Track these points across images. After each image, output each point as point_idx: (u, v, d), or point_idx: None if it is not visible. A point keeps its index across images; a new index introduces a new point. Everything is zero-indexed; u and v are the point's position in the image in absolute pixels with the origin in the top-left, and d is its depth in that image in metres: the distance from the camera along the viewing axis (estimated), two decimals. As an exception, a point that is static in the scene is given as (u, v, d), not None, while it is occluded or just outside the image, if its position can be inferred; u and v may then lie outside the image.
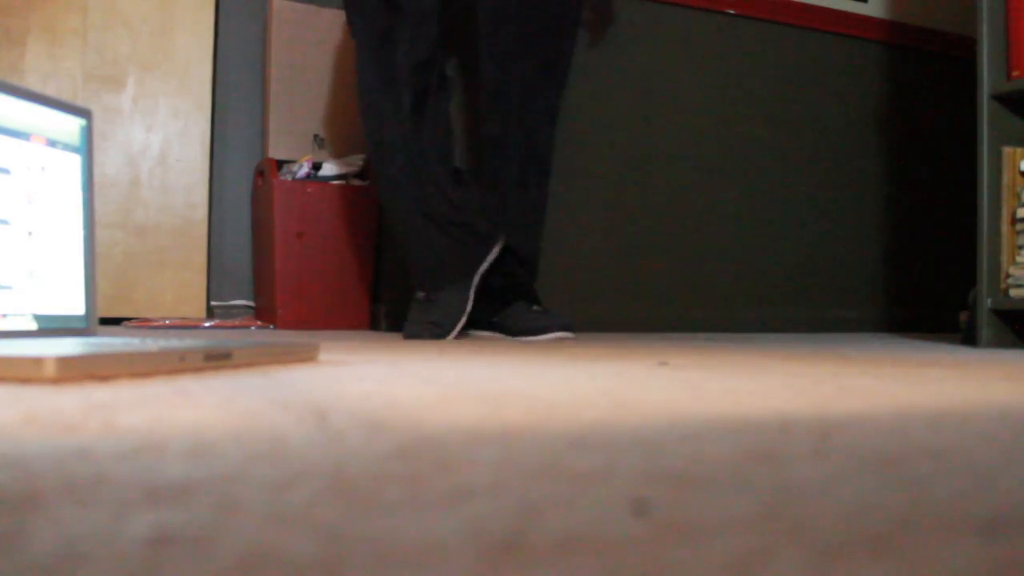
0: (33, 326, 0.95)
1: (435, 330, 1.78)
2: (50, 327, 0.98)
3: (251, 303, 2.53)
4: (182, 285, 2.38)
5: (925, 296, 2.91)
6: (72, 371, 0.67)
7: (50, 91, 2.23)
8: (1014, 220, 1.77)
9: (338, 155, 2.43)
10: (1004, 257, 1.78)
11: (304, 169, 2.35)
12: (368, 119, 1.84)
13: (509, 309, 1.89)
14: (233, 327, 2.26)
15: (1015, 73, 1.77)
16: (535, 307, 1.92)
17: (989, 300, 1.78)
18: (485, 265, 1.82)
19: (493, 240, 1.84)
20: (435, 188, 1.82)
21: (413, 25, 1.77)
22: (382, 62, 1.79)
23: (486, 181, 1.95)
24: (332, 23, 2.47)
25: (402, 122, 1.80)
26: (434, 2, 1.80)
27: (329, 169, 2.37)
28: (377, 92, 1.80)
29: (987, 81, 1.80)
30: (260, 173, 2.44)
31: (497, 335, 1.90)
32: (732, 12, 2.61)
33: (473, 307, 1.81)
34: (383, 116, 1.81)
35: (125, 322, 2.27)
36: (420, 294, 1.86)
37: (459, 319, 1.79)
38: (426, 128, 1.81)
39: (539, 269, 2.02)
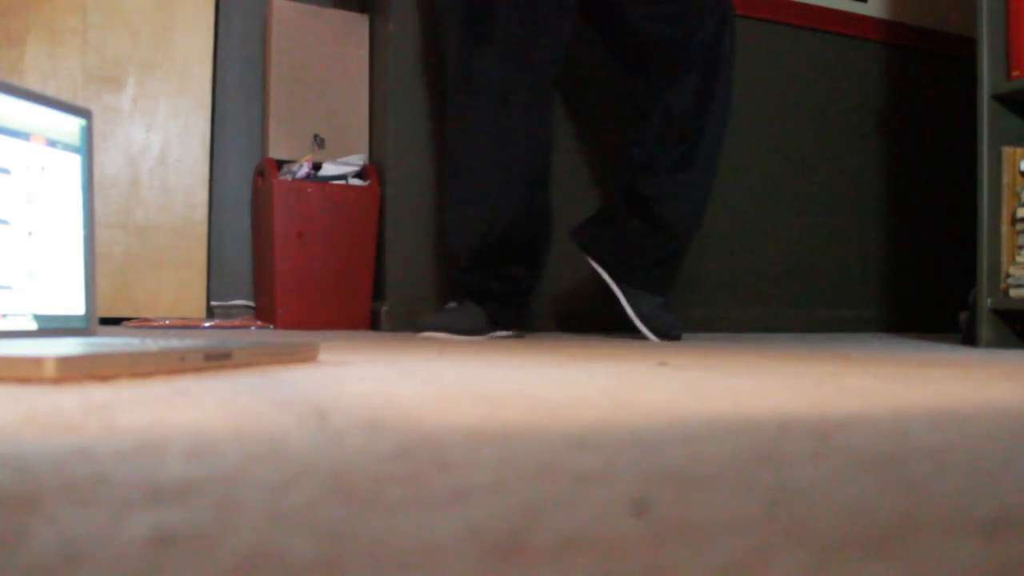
0: (33, 326, 0.95)
1: (445, 325, 1.82)
2: (50, 327, 0.98)
3: (251, 303, 2.53)
4: (182, 285, 2.38)
5: (925, 296, 2.91)
6: (72, 371, 0.67)
7: (50, 91, 2.23)
8: (1014, 220, 1.77)
9: (338, 155, 2.43)
10: (1004, 257, 1.78)
11: (304, 169, 2.35)
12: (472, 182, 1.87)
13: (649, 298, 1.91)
14: (233, 327, 2.26)
15: (1015, 73, 1.77)
16: (659, 298, 1.93)
17: (989, 300, 1.78)
18: (498, 334, 1.87)
19: (514, 322, 1.90)
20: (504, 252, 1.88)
21: (531, 118, 1.82)
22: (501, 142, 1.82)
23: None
24: (332, 23, 2.47)
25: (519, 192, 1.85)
26: (552, 73, 1.84)
27: (329, 169, 2.37)
28: (491, 166, 1.84)
29: (987, 81, 1.80)
30: (260, 173, 2.44)
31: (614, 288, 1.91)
32: (732, 12, 2.60)
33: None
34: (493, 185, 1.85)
35: (125, 322, 2.27)
36: (452, 304, 1.93)
37: (472, 335, 1.83)
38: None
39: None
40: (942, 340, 2.10)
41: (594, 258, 1.94)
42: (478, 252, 1.85)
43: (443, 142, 1.99)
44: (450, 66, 1.86)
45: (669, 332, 1.88)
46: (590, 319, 2.36)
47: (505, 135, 1.80)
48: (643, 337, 1.89)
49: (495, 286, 1.87)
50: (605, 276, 1.93)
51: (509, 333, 1.91)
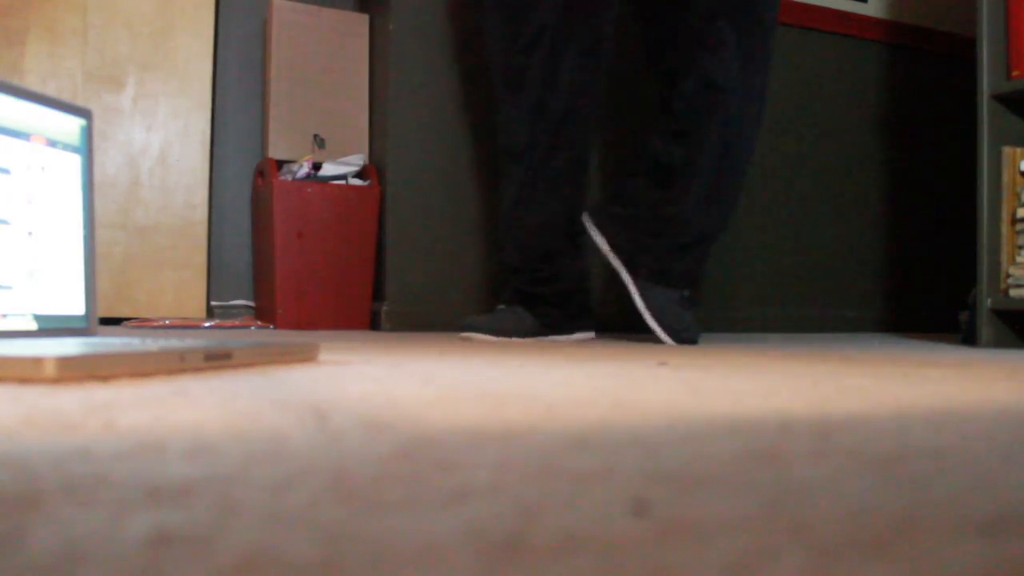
0: (33, 326, 0.95)
1: (486, 327, 1.82)
2: (50, 327, 0.98)
3: (251, 303, 2.53)
4: (182, 285, 2.38)
5: (925, 296, 2.91)
6: (72, 371, 0.67)
7: (50, 91, 2.23)
8: (1014, 220, 1.77)
9: (338, 155, 2.43)
10: (1004, 257, 1.78)
11: (304, 169, 2.35)
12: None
13: (658, 292, 1.76)
14: (233, 327, 2.26)
15: (1015, 73, 1.77)
16: (684, 294, 1.79)
17: (989, 300, 1.78)
18: (553, 338, 1.83)
19: (563, 331, 1.86)
20: (556, 257, 1.85)
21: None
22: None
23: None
24: (332, 23, 2.47)
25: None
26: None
27: (329, 169, 2.37)
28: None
29: (987, 81, 1.80)
30: (260, 173, 2.44)
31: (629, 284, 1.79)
32: (732, 12, 2.60)
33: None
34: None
35: (125, 322, 2.27)
36: (502, 305, 1.91)
37: (515, 336, 1.82)
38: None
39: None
40: (942, 340, 2.10)
41: (606, 236, 1.80)
42: (524, 255, 1.85)
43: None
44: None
45: (683, 332, 1.71)
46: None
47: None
48: (654, 337, 1.73)
49: (543, 289, 1.85)
50: (614, 261, 1.78)
51: (564, 337, 1.84)
